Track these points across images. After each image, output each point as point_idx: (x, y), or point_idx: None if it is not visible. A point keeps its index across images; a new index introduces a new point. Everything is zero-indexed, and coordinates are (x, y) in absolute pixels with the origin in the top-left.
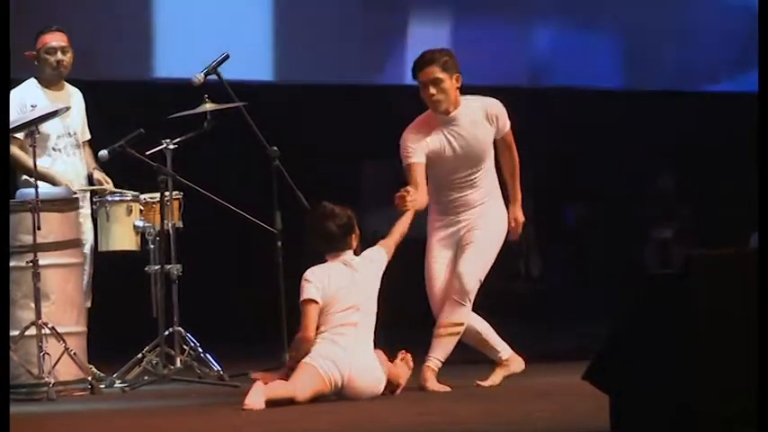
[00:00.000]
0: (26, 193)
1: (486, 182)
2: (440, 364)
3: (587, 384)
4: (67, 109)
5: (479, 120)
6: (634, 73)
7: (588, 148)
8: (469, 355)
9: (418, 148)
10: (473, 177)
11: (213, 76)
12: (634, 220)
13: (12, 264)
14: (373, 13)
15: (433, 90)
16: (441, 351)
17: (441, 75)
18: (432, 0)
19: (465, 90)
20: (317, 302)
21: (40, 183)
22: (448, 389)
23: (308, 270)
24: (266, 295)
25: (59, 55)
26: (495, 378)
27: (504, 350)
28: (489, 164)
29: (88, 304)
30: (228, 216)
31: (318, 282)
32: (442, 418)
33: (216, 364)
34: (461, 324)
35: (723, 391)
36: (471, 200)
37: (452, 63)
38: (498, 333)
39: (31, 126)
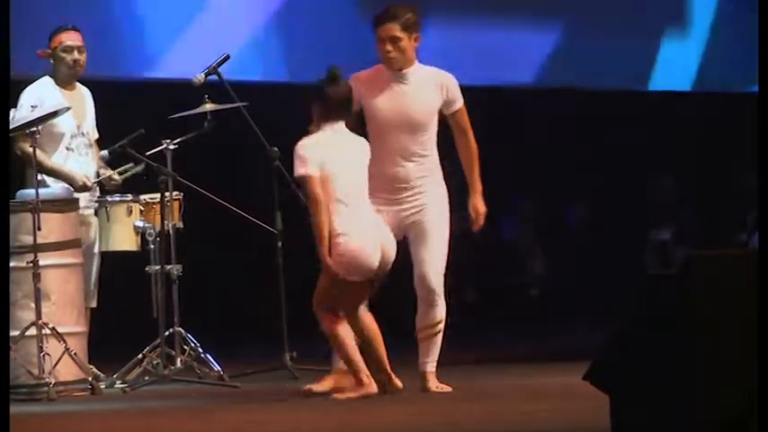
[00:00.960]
0: (26, 193)
1: (427, 158)
2: (435, 365)
3: (588, 385)
4: (68, 109)
5: (428, 85)
6: (635, 73)
7: (589, 148)
8: (470, 356)
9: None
10: (413, 148)
11: (214, 76)
12: (634, 221)
13: (12, 264)
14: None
15: (389, 47)
16: (431, 353)
17: (400, 33)
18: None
19: (465, 92)
20: (314, 176)
21: (49, 182)
22: (449, 389)
23: (299, 144)
24: (267, 295)
25: (76, 54)
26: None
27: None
28: (430, 138)
29: (94, 304)
30: (229, 216)
31: (312, 153)
32: (442, 419)
33: (216, 364)
34: (440, 321)
35: (723, 392)
36: (410, 175)
37: (414, 21)
38: (500, 331)
39: (32, 126)
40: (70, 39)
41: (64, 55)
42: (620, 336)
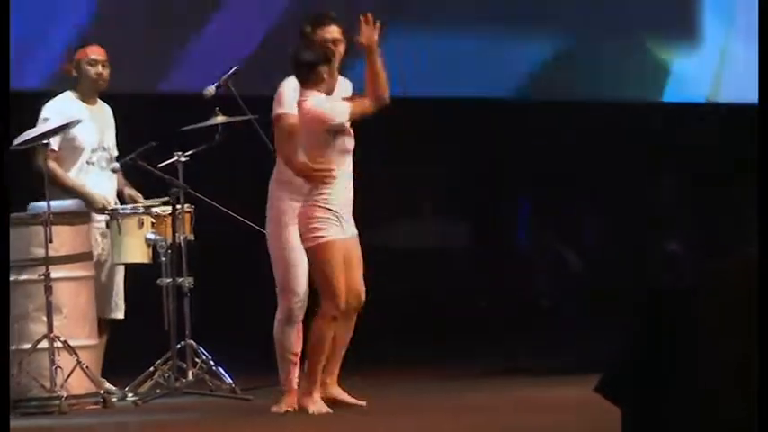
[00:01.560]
0: (38, 206)
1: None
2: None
3: (598, 397)
4: (78, 122)
5: (345, 92)
6: (646, 85)
7: (598, 160)
8: (477, 368)
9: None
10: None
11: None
12: (642, 232)
13: (24, 277)
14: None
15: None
16: (338, 366)
17: (340, 37)
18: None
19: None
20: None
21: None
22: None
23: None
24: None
25: (100, 68)
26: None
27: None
28: None
29: (120, 315)
30: (240, 228)
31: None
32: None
33: (228, 377)
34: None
35: (732, 403)
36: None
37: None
38: (511, 344)
39: (42, 139)
40: (95, 53)
41: (88, 68)
42: (631, 347)
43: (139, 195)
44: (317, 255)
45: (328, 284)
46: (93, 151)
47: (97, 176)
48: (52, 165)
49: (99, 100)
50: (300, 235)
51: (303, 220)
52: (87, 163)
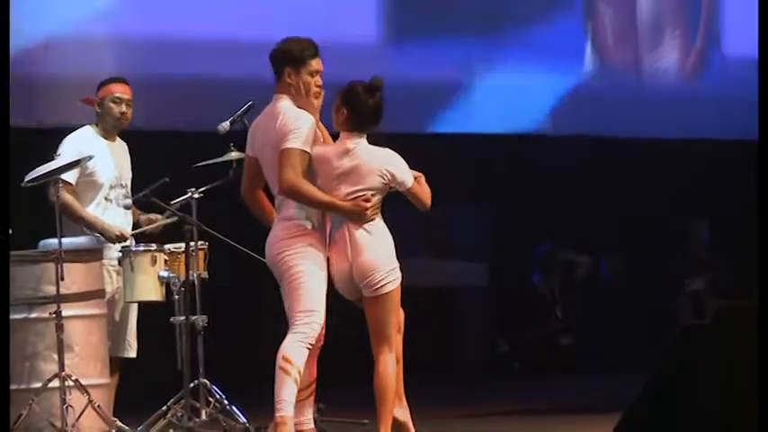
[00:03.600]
0: (49, 243)
1: None
2: None
3: None
4: (90, 158)
5: None
6: (668, 122)
7: (621, 197)
8: (497, 407)
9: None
10: None
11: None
12: (667, 271)
13: (35, 315)
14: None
15: (320, 81)
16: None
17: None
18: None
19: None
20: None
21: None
22: None
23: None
24: None
25: (124, 107)
26: None
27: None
28: None
29: (132, 354)
30: (254, 266)
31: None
32: None
33: (242, 416)
34: None
35: None
36: None
37: None
38: (531, 384)
39: (53, 175)
40: (120, 90)
41: (112, 105)
42: (652, 387)
43: (157, 216)
44: None
45: None
46: (112, 188)
47: (114, 213)
48: (68, 198)
49: (117, 137)
50: None
51: None
52: (105, 199)
